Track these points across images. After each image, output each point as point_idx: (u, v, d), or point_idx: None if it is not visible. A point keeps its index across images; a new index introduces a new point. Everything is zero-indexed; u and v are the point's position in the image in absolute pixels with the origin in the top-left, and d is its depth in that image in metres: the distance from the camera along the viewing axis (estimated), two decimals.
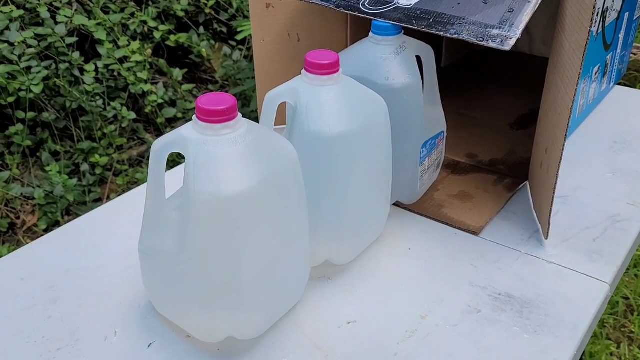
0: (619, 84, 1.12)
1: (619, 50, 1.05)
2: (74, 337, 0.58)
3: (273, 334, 0.58)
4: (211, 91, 2.23)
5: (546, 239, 0.70)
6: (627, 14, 1.01)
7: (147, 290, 0.59)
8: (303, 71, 0.61)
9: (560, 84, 0.65)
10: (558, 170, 0.64)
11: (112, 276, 0.66)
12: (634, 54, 2.21)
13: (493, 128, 0.98)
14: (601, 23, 0.89)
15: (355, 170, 0.61)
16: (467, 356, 0.56)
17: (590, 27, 0.56)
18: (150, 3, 2.12)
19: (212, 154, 0.49)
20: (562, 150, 0.62)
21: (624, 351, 1.45)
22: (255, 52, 0.87)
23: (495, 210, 0.76)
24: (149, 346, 0.57)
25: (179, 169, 0.61)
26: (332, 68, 0.59)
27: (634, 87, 2.47)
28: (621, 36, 1.03)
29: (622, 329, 1.53)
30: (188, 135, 0.50)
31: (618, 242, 0.70)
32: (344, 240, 0.65)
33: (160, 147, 0.51)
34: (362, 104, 0.62)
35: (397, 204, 0.77)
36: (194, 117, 0.51)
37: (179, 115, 2.06)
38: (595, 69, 0.95)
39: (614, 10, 0.93)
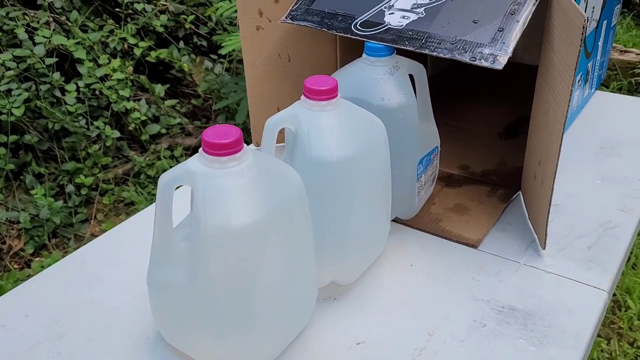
0: None
1: (598, 57, 1.08)
2: None
3: (284, 358, 0.59)
4: (194, 105, 2.23)
5: (543, 249, 0.71)
6: (605, 22, 1.04)
7: (156, 322, 0.59)
8: (302, 97, 0.62)
9: (551, 98, 0.66)
10: (553, 183, 0.65)
11: (117, 308, 0.66)
12: None
13: (482, 138, 1.00)
14: None
15: (358, 192, 0.62)
16: None
17: (580, 45, 0.58)
18: (129, 20, 2.11)
19: (220, 187, 0.50)
20: (557, 163, 0.64)
21: (614, 347, 1.48)
22: (247, 74, 0.88)
23: (491, 222, 0.78)
24: None
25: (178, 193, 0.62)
26: (331, 94, 0.60)
27: (608, 85, 2.53)
28: (600, 44, 1.06)
29: (611, 325, 1.56)
30: (195, 169, 0.51)
31: (612, 249, 0.72)
32: (349, 261, 0.65)
33: (167, 181, 0.51)
34: (361, 127, 0.63)
35: (395, 220, 0.78)
36: (200, 150, 0.51)
37: (163, 131, 2.05)
38: (578, 77, 0.97)
39: (594, 19, 0.96)
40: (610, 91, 2.50)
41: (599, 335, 1.50)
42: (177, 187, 0.52)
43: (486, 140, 0.99)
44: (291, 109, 0.62)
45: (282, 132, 0.62)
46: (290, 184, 0.54)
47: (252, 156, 0.52)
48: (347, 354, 0.60)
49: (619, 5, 1.11)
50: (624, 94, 2.51)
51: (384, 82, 0.69)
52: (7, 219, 1.71)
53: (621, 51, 2.63)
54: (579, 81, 0.98)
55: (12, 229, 1.74)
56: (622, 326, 1.54)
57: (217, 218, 0.49)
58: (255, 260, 0.51)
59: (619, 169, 0.89)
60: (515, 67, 0.72)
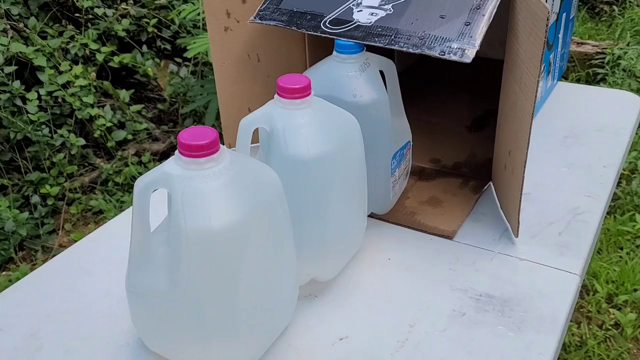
0: None
1: (559, 49, 1.11)
2: None
3: (268, 357, 0.59)
4: (160, 110, 2.20)
5: (516, 237, 0.73)
6: (564, 14, 1.07)
7: (137, 328, 0.59)
8: (276, 96, 0.62)
9: (519, 90, 0.68)
10: (524, 172, 0.67)
11: (95, 317, 0.64)
12: None
13: (452, 132, 1.02)
14: None
15: (335, 189, 0.62)
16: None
17: (545, 37, 0.59)
18: (89, 25, 2.07)
19: (199, 188, 0.49)
20: (527, 154, 0.66)
21: (584, 330, 1.53)
22: (216, 76, 0.87)
23: (465, 213, 0.79)
24: None
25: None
26: (304, 92, 0.61)
27: (567, 77, 2.60)
28: (560, 36, 1.09)
29: (580, 309, 1.61)
30: (172, 172, 0.50)
31: (582, 234, 0.74)
32: (328, 258, 0.66)
33: (144, 186, 0.51)
34: (335, 124, 0.63)
35: (371, 215, 0.79)
36: (176, 152, 0.51)
37: (130, 137, 2.02)
38: (541, 69, 1.00)
39: (554, 12, 0.99)
40: (570, 82, 2.58)
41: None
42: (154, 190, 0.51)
43: (455, 133, 1.01)
44: (265, 109, 0.62)
45: (255, 133, 0.62)
46: (268, 184, 0.54)
47: (229, 156, 0.52)
48: (331, 349, 0.60)
49: None
50: (582, 84, 2.59)
51: (355, 79, 0.70)
52: None
53: (578, 43, 2.71)
54: (542, 73, 1.01)
55: None
56: (590, 310, 1.59)
57: (197, 220, 0.49)
58: (237, 261, 0.51)
59: (584, 156, 0.91)
60: (479, 61, 0.73)
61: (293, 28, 0.75)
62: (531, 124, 0.64)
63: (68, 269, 0.72)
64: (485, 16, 0.68)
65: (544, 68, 1.02)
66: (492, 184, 0.85)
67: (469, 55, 0.65)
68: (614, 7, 3.19)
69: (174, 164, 0.51)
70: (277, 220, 0.55)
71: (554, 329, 0.61)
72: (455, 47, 0.66)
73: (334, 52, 0.72)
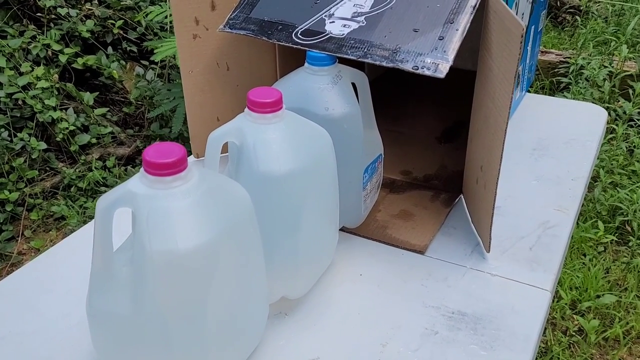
0: None
1: (528, 61, 1.12)
2: None
3: None
4: (126, 113, 2.15)
5: (488, 252, 0.73)
6: (533, 27, 1.08)
7: (98, 353, 0.56)
8: (246, 109, 0.60)
9: (492, 105, 0.68)
10: (496, 188, 0.67)
11: (53, 339, 0.61)
12: None
13: (422, 143, 1.01)
14: None
15: (307, 206, 0.61)
16: None
17: (520, 54, 0.59)
18: (52, 25, 2.01)
19: (165, 209, 0.47)
20: (499, 169, 0.65)
21: (549, 337, 1.55)
22: (184, 84, 0.85)
23: (436, 227, 0.79)
24: None
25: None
26: (276, 106, 0.59)
27: (532, 85, 2.65)
28: (529, 48, 1.10)
29: None
30: (137, 191, 0.48)
31: (552, 249, 0.74)
32: (299, 275, 0.64)
33: (106, 205, 0.48)
34: (308, 139, 0.62)
35: (342, 229, 0.77)
36: (141, 169, 0.49)
37: (94, 140, 1.96)
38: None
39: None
40: (534, 91, 2.62)
41: None
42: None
43: (426, 144, 1.01)
44: (235, 122, 0.60)
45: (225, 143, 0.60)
46: (238, 202, 0.53)
47: (197, 174, 0.50)
48: None
49: (544, 11, 1.15)
50: (546, 92, 2.64)
51: (327, 92, 0.69)
52: None
53: (542, 52, 2.76)
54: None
55: None
56: (555, 316, 1.61)
57: (163, 243, 0.46)
58: (204, 283, 0.49)
59: (553, 169, 0.92)
60: (449, 71, 0.73)
61: (263, 38, 0.73)
62: (504, 140, 0.64)
63: (25, 287, 0.69)
64: (459, 31, 0.67)
65: None
66: (462, 197, 0.85)
67: (442, 70, 0.64)
68: (577, 17, 3.27)
69: (138, 182, 0.49)
70: (247, 240, 0.53)
71: (527, 348, 0.61)
72: (429, 61, 0.65)
73: (306, 64, 0.70)
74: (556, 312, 1.62)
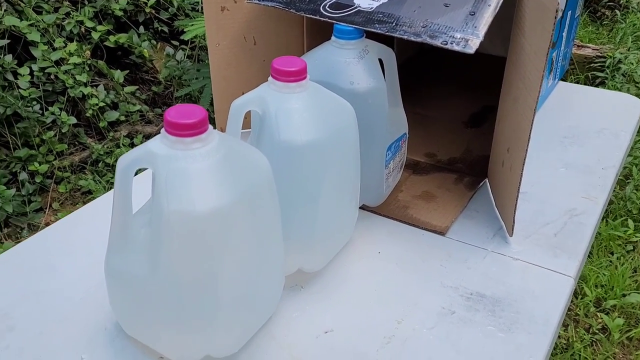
0: None
1: (562, 48, 1.09)
2: None
3: (250, 348, 0.57)
4: (155, 92, 2.17)
5: (511, 236, 0.71)
6: (569, 12, 1.05)
7: (115, 312, 0.56)
8: (270, 78, 0.59)
9: (522, 85, 0.66)
10: (522, 170, 0.65)
11: (73, 299, 0.62)
12: None
13: (448, 126, 1.00)
14: None
15: (326, 177, 0.60)
16: (446, 359, 0.56)
17: (553, 30, 0.57)
18: (86, 2, 2.03)
19: (184, 170, 0.47)
20: (527, 150, 0.64)
21: (571, 333, 1.52)
22: (210, 57, 0.85)
23: (459, 209, 0.77)
24: None
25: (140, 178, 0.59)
26: (300, 75, 0.58)
27: (566, 79, 2.59)
28: (564, 34, 1.07)
29: (568, 312, 1.60)
30: (157, 151, 0.48)
31: (577, 236, 0.73)
32: (316, 248, 0.64)
33: (127, 164, 0.48)
34: (330, 110, 0.61)
35: (363, 207, 0.77)
36: (162, 130, 0.49)
37: (122, 118, 1.99)
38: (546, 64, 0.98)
39: (559, 9, 0.97)
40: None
41: None
42: (138, 173, 0.49)
43: (452, 128, 0.99)
44: (258, 91, 0.60)
45: (247, 118, 0.59)
46: (258, 168, 0.52)
47: (218, 138, 0.50)
48: (314, 342, 0.58)
49: None
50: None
51: (353, 66, 0.68)
52: None
53: (578, 46, 2.69)
54: (545, 68, 0.99)
55: None
56: (578, 313, 1.58)
57: (180, 203, 0.46)
58: (220, 247, 0.48)
59: (582, 157, 0.90)
60: (479, 57, 0.72)
61: (291, 10, 0.72)
62: (533, 120, 0.62)
63: (48, 248, 0.70)
64: (491, 6, 0.65)
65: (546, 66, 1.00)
66: (487, 181, 0.83)
67: (472, 46, 0.63)
68: (616, 11, 3.17)
69: (159, 143, 0.49)
70: (265, 207, 0.53)
71: (546, 331, 0.59)
72: (459, 37, 0.64)
73: (333, 37, 0.69)
74: (579, 309, 1.59)
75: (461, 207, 0.78)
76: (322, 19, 0.70)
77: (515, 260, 0.69)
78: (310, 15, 0.71)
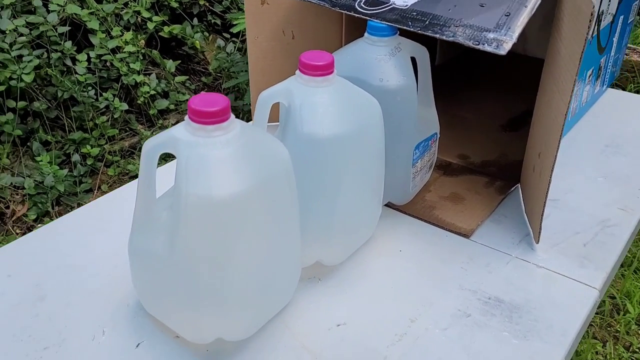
0: (612, 85, 1.13)
1: (612, 54, 1.05)
2: (61, 337, 0.58)
3: (262, 335, 0.58)
4: (204, 83, 2.22)
5: (537, 243, 0.70)
6: (621, 17, 1.01)
7: (137, 290, 0.59)
8: (297, 72, 0.60)
9: (555, 89, 0.65)
10: (551, 175, 0.64)
11: (100, 274, 0.65)
12: (626, 55, 2.22)
13: (485, 129, 0.98)
14: (596, 26, 0.89)
15: (348, 172, 0.61)
16: None
17: (588, 34, 0.56)
18: None
19: (204, 156, 0.49)
20: (556, 155, 0.62)
21: (609, 350, 1.46)
22: (249, 49, 0.87)
23: (486, 213, 0.76)
24: (137, 346, 0.57)
25: (171, 166, 0.61)
26: (326, 69, 0.59)
27: (625, 87, 2.48)
28: (615, 39, 1.03)
29: (608, 328, 1.54)
30: (180, 136, 0.50)
31: (608, 248, 0.70)
32: (335, 242, 0.64)
33: (152, 147, 0.51)
34: (356, 106, 0.61)
35: (388, 205, 0.77)
36: (186, 117, 0.51)
37: (172, 106, 2.04)
38: (589, 72, 0.95)
39: (609, 13, 0.93)
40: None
41: (594, 337, 1.48)
42: (167, 162, 0.51)
43: (488, 131, 0.98)
44: (285, 83, 0.61)
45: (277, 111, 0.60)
46: (277, 158, 0.53)
47: (239, 127, 0.51)
48: (326, 334, 0.59)
49: (637, 2, 1.08)
50: (632, 93, 2.46)
51: (384, 63, 0.68)
52: (12, 184, 1.72)
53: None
54: (589, 76, 0.96)
55: (17, 194, 1.75)
56: (619, 329, 1.52)
57: (198, 187, 0.48)
58: (234, 232, 0.50)
59: (623, 167, 0.87)
60: (527, 60, 0.71)
61: (326, 5, 0.73)
62: (563, 125, 0.61)
63: (82, 225, 0.74)
64: (528, 8, 0.64)
65: (592, 71, 0.97)
66: (519, 186, 0.82)
67: (505, 47, 0.62)
68: None
69: (182, 129, 0.50)
70: (282, 196, 0.54)
71: (563, 342, 0.58)
72: (491, 37, 0.63)
73: (366, 34, 0.70)
74: (621, 326, 1.53)
75: (489, 210, 0.77)
76: (356, 15, 0.71)
77: (539, 267, 0.67)
78: (345, 11, 0.72)
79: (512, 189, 0.81)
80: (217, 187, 0.48)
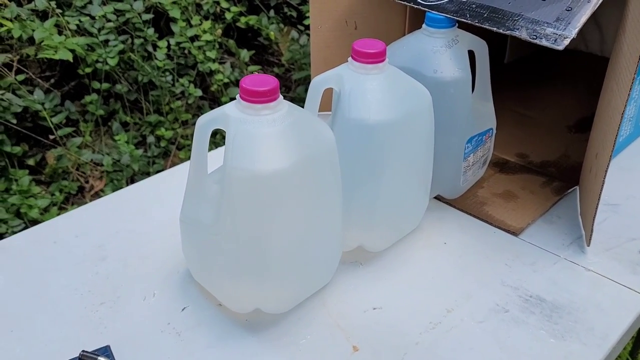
0: None
1: None
2: (116, 294, 0.62)
3: (300, 311, 0.61)
4: (276, 74, 2.27)
5: (588, 245, 0.68)
6: None
7: (185, 257, 0.63)
8: (349, 59, 0.62)
9: (615, 87, 0.63)
10: (604, 177, 0.62)
11: (156, 241, 0.70)
12: None
13: (549, 129, 0.95)
14: None
15: (393, 160, 0.62)
16: (488, 353, 0.56)
17: None
18: None
19: (250, 132, 0.51)
20: (610, 156, 0.60)
21: None
22: (312, 38, 0.89)
23: (539, 213, 0.75)
24: (182, 310, 0.61)
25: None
26: (378, 57, 0.60)
27: None
28: None
29: None
30: (230, 113, 0.53)
31: None
32: (377, 228, 0.66)
33: (204, 122, 0.54)
34: (405, 94, 0.62)
35: (438, 198, 0.77)
36: (237, 96, 0.53)
37: None
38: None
39: None
40: None
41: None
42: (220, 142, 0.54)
43: (553, 131, 0.95)
44: (337, 70, 0.62)
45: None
46: (321, 139, 0.55)
47: (287, 108, 0.54)
48: (361, 316, 0.60)
49: None
50: None
51: (439, 55, 0.68)
52: (92, 160, 1.84)
53: None
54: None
55: (96, 170, 1.87)
56: None
57: (242, 162, 0.51)
58: (275, 208, 0.52)
59: None
60: (604, 61, 0.69)
61: None
62: (620, 124, 0.59)
63: (145, 195, 0.79)
64: (591, 3, 0.62)
65: None
66: (578, 188, 0.80)
67: (563, 42, 0.61)
68: None
69: (233, 107, 0.53)
70: (325, 177, 0.56)
71: (602, 345, 0.56)
72: (550, 31, 0.62)
73: (424, 26, 0.70)
74: None
75: (542, 210, 0.75)
76: (415, 6, 0.71)
77: (588, 270, 0.66)
78: (405, 2, 0.72)
79: (570, 190, 0.79)
80: (260, 163, 0.51)
